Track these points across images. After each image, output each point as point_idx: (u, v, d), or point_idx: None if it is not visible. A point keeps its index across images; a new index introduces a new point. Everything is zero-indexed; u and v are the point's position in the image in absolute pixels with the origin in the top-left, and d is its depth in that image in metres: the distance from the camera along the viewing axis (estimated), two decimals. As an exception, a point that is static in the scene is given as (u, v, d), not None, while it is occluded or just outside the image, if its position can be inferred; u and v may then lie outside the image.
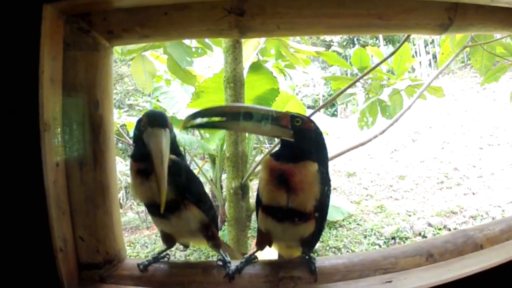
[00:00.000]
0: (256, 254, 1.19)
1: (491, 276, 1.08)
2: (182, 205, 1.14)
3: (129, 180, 7.35)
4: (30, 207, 0.99)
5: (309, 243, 1.17)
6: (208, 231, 1.21)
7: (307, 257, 1.15)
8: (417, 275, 1.11)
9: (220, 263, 1.15)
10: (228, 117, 1.09)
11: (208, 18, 1.10)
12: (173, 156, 1.12)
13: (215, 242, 1.23)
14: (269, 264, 1.18)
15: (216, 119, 1.11)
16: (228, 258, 1.16)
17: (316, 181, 1.05)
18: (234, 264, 1.14)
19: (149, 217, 7.43)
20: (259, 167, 1.12)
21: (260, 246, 1.21)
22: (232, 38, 2.19)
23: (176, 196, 1.12)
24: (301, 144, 1.07)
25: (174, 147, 1.15)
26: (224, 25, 1.10)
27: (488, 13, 1.25)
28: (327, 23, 1.17)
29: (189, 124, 1.09)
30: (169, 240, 1.25)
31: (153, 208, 1.13)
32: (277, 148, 1.20)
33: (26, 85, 0.96)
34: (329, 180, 1.11)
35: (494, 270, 1.08)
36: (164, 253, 1.22)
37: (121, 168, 7.25)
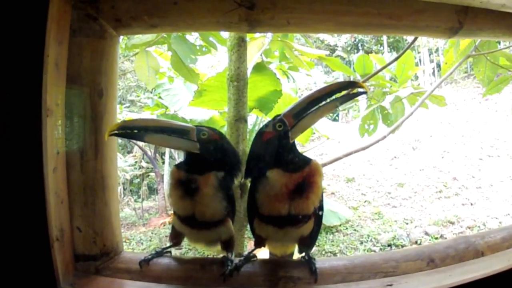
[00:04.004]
0: (255, 252, 1.18)
1: (493, 283, 1.07)
2: (221, 223, 1.11)
3: (127, 176, 7.33)
4: (28, 194, 0.96)
5: (308, 241, 1.15)
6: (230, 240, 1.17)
7: (307, 257, 1.14)
8: (418, 279, 1.10)
9: (224, 257, 1.13)
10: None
11: (218, 10, 1.09)
12: (221, 173, 1.08)
13: (230, 248, 1.18)
14: (269, 263, 1.16)
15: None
16: (232, 257, 1.13)
17: (322, 180, 1.06)
18: (234, 262, 1.12)
19: (146, 214, 7.40)
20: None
21: (259, 245, 1.19)
22: (241, 32, 2.18)
23: (223, 215, 1.10)
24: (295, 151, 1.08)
25: (222, 160, 1.10)
26: (233, 18, 1.10)
27: (497, 18, 1.25)
28: (337, 21, 1.17)
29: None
30: (179, 240, 1.20)
31: (188, 220, 1.09)
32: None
33: (30, 69, 0.95)
34: None
35: (496, 277, 1.07)
36: (168, 250, 1.18)
37: (120, 164, 7.24)
